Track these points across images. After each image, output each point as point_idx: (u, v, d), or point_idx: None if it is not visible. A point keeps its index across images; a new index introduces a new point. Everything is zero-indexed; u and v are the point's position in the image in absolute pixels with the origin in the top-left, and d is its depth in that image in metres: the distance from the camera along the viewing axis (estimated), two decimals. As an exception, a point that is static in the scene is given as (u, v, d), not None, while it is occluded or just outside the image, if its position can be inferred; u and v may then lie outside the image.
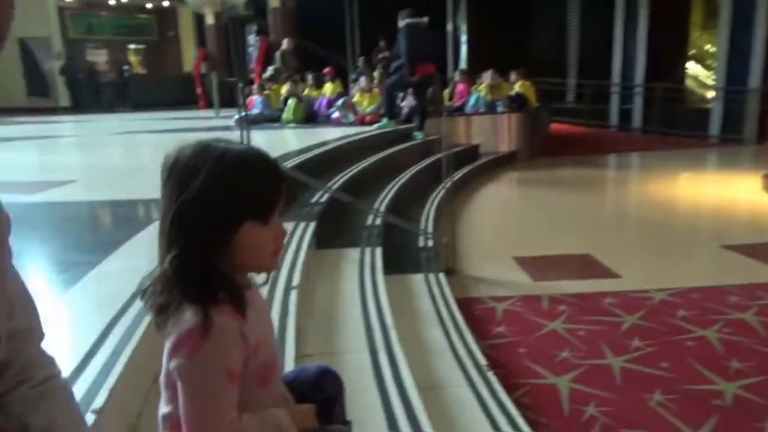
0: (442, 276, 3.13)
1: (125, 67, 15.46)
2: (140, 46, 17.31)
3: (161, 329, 0.89)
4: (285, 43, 10.53)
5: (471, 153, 7.41)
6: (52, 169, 4.71)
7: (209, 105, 12.14)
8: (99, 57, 16.33)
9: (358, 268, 2.81)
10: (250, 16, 13.35)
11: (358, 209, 3.75)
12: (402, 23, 6.49)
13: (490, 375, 2.07)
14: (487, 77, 8.42)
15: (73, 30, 15.88)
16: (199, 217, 0.84)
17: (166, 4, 16.56)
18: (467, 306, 2.95)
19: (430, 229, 4.11)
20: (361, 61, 9.77)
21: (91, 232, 2.88)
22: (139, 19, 17.13)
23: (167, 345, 0.85)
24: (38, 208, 3.21)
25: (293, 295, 2.06)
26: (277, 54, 10.46)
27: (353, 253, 3.01)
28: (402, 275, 3.11)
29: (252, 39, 13.23)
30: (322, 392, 1.13)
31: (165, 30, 17.33)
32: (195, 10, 15.90)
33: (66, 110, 13.56)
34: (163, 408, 0.92)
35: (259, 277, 1.00)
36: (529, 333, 2.72)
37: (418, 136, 6.97)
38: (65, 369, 1.25)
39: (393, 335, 2.03)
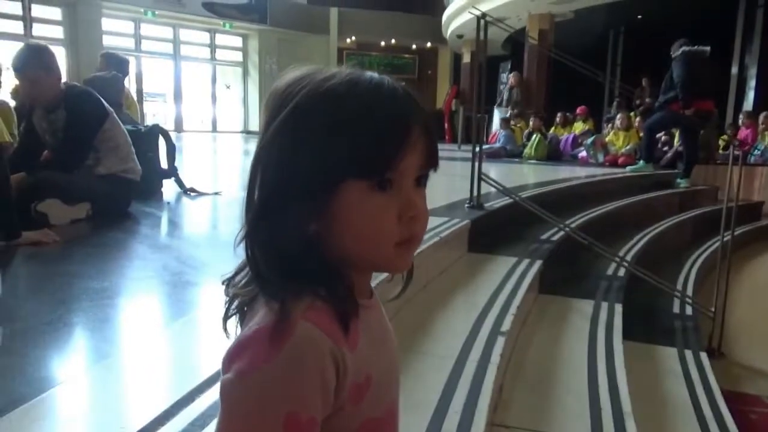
0: (703, 356, 2.38)
1: (381, 103, 16.86)
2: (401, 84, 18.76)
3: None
4: (511, 79, 10.40)
5: (751, 211, 6.05)
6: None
7: (454, 140, 12.42)
8: (369, 92, 18.24)
9: (589, 325, 2.25)
10: (506, 55, 13.52)
11: (597, 254, 3.14)
12: (678, 51, 5.57)
13: None
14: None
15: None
16: (277, 165, 0.53)
17: (428, 45, 17.69)
18: (737, 404, 2.18)
19: (689, 292, 3.28)
20: (617, 101, 8.91)
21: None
22: (404, 59, 18.59)
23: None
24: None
25: (499, 343, 1.64)
26: (506, 89, 10.42)
27: (585, 306, 2.45)
28: (647, 345, 2.45)
29: (504, 77, 13.33)
30: None
31: (425, 68, 18.54)
32: (454, 50, 16.64)
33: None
34: None
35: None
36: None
37: (682, 183, 5.92)
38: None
39: (630, 426, 1.46)
